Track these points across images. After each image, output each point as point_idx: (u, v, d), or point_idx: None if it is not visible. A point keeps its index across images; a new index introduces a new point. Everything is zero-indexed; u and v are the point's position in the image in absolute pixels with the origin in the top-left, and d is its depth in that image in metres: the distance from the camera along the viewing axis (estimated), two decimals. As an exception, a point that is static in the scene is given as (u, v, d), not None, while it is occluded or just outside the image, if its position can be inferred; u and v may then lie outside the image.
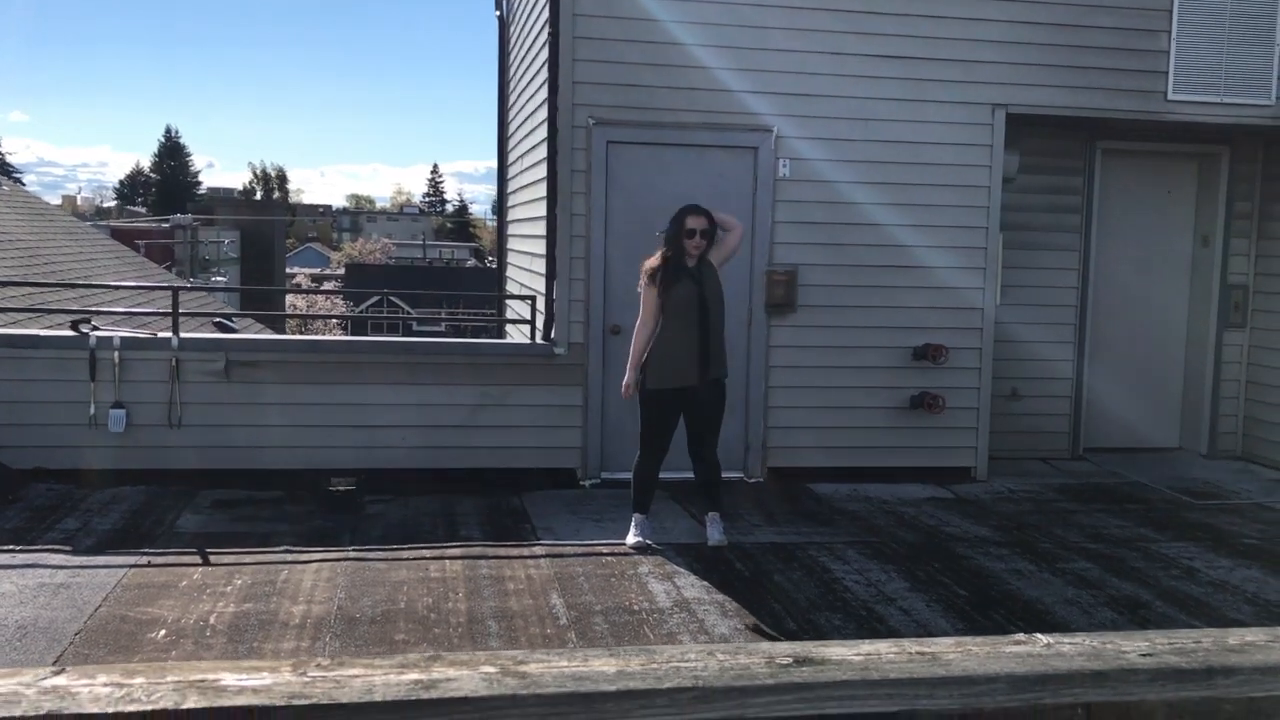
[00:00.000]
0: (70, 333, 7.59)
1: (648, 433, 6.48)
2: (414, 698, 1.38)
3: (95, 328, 7.68)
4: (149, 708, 1.32)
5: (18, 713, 1.30)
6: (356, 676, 1.41)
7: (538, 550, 6.39)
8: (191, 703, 1.33)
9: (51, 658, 4.63)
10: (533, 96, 9.52)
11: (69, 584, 5.51)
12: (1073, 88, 8.36)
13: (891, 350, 8.32)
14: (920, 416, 8.35)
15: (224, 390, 7.62)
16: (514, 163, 11.33)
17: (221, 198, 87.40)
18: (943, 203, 8.30)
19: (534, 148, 9.37)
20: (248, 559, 6.02)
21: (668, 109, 7.93)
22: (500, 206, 12.66)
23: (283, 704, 1.35)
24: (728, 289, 8.07)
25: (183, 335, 7.65)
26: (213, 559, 6.00)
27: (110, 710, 1.31)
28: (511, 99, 11.64)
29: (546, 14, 8.46)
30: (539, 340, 8.15)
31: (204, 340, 7.92)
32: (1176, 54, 8.46)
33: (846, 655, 1.52)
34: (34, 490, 7.21)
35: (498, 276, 12.87)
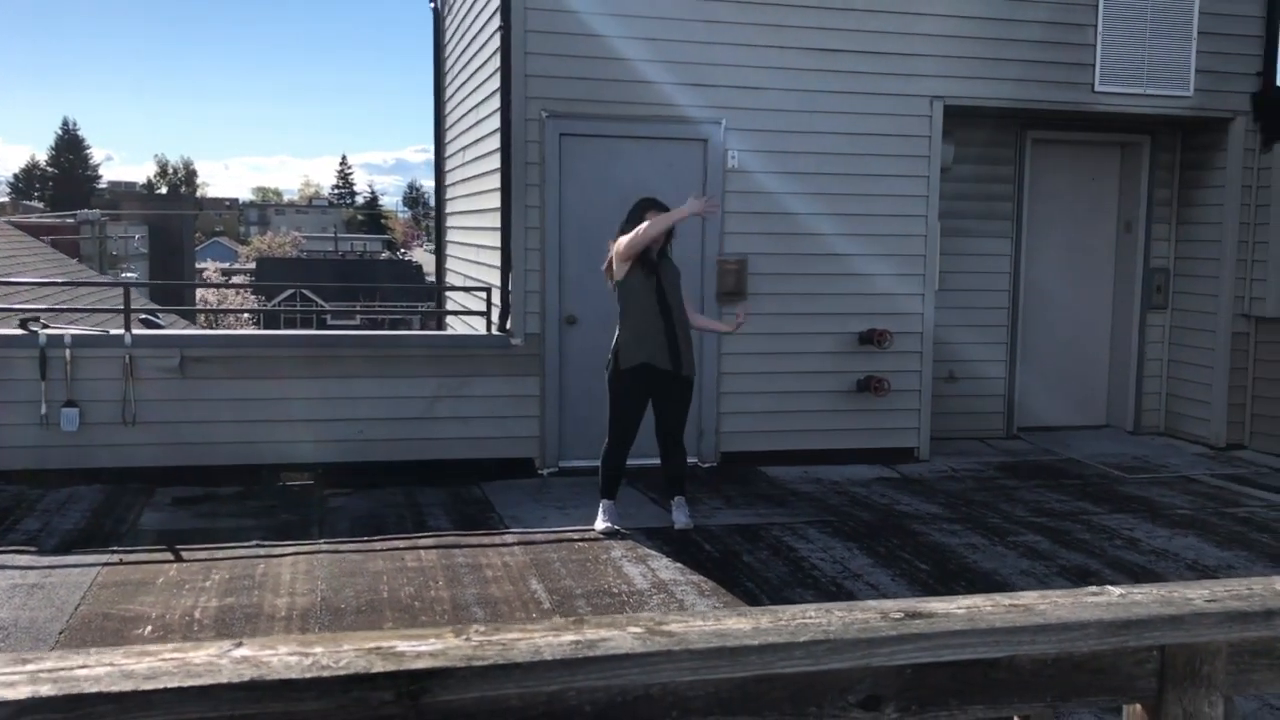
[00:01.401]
0: (19, 331, 7.46)
1: (617, 416, 6.59)
2: (580, 655, 1.50)
3: (45, 325, 7.55)
4: (343, 673, 1.42)
5: (223, 679, 1.39)
6: (519, 639, 1.53)
7: (509, 538, 6.48)
8: (379, 667, 1.44)
9: (40, 657, 4.60)
10: (477, 89, 9.56)
11: (42, 584, 5.47)
12: (1006, 80, 8.67)
13: (838, 336, 8.56)
14: (866, 399, 8.61)
15: (179, 387, 7.57)
16: (454, 155, 11.35)
17: (124, 192, 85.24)
18: (885, 192, 8.55)
19: (480, 140, 9.42)
20: (220, 554, 6.02)
21: (619, 101, 8.05)
22: (438, 199, 12.65)
23: (462, 665, 1.46)
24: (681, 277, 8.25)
25: (136, 332, 7.57)
26: (185, 555, 5.99)
27: (310, 675, 1.41)
28: (449, 91, 11.64)
29: (493, 6, 8.53)
30: (495, 331, 8.21)
31: (158, 337, 7.85)
32: (1102, 47, 8.82)
33: (950, 609, 1.67)
34: (-14, 492, 7.09)
35: (437, 268, 12.86)
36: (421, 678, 1.44)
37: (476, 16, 9.56)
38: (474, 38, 9.72)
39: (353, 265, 73.38)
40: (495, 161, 8.47)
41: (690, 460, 8.33)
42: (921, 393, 8.78)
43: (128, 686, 1.36)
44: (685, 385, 6.64)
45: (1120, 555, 6.36)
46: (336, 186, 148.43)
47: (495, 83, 8.54)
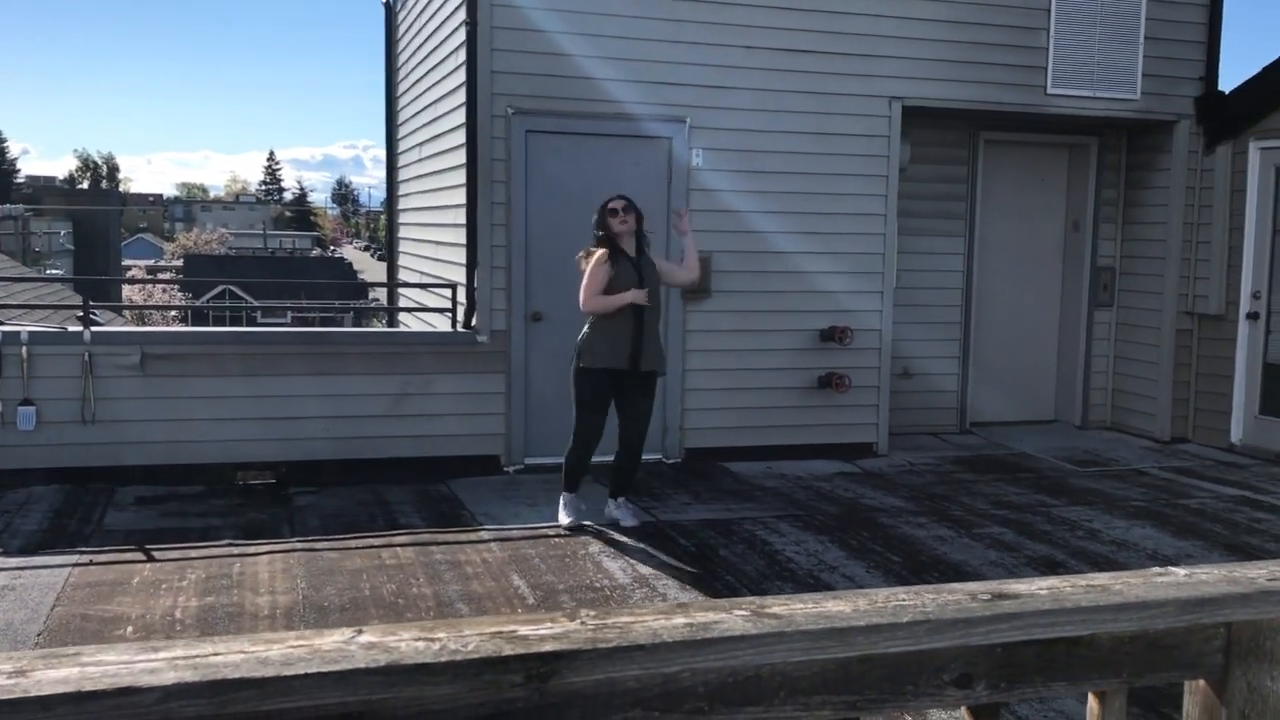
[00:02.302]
0: (-26, 328, 7.29)
1: (580, 417, 6.60)
2: (697, 637, 1.53)
3: (0, 322, 7.39)
4: (474, 656, 1.45)
5: (359, 665, 1.41)
6: (635, 622, 1.56)
7: (484, 535, 6.48)
8: (509, 650, 1.46)
9: (21, 659, 4.52)
10: (436, 85, 9.51)
11: (12, 585, 5.36)
12: (963, 81, 8.84)
13: (799, 333, 8.67)
14: (827, 396, 8.72)
15: (139, 385, 7.44)
16: (408, 151, 11.28)
17: (44, 186, 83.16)
18: (845, 191, 8.67)
19: (438, 136, 9.38)
20: (194, 554, 5.95)
21: (585, 99, 8.07)
22: (390, 196, 12.56)
23: (587, 648, 1.49)
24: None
25: (95, 329, 7.43)
26: (156, 555, 5.91)
27: (443, 660, 1.43)
28: (402, 88, 11.57)
29: (455, 2, 8.50)
30: (460, 329, 8.19)
31: (118, 334, 7.71)
32: (1055, 51, 9.03)
33: (1033, 589, 1.74)
34: (-58, 492, 6.92)
35: (388, 266, 12.77)
36: (550, 660, 1.47)
37: (435, 13, 9.52)
38: (432, 34, 9.67)
39: (283, 263, 72.43)
40: (458, 158, 8.45)
41: (654, 457, 8.43)
42: (880, 389, 8.93)
43: (268, 672, 1.37)
44: (647, 383, 6.61)
45: (1083, 545, 6.53)
46: (264, 183, 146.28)
47: (456, 79, 8.53)
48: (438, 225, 9.62)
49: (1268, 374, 9.07)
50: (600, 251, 6.46)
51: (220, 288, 49.99)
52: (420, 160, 10.49)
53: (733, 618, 1.60)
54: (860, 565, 6.05)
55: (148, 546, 6.04)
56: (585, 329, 6.58)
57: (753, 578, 5.80)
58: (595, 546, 6.29)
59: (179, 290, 51.71)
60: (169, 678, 1.35)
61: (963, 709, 1.76)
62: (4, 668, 1.37)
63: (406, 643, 1.48)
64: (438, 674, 1.44)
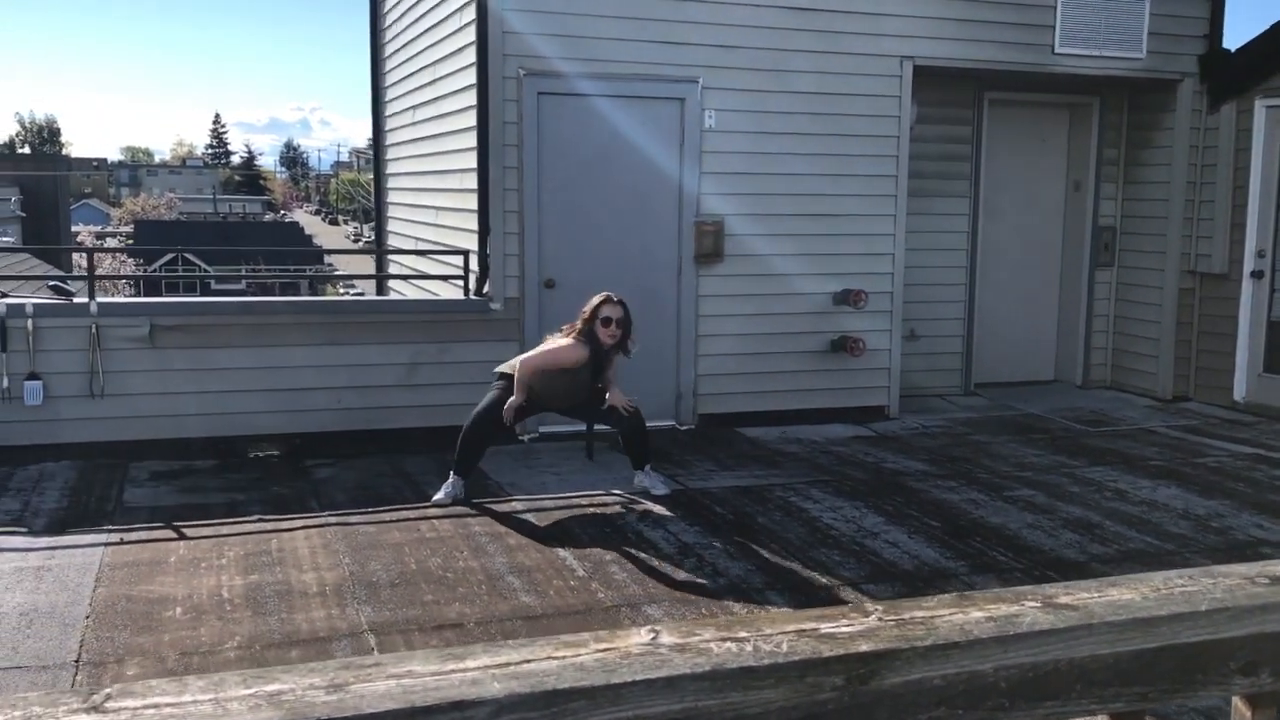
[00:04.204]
0: (-24, 301, 7.04)
1: (484, 402, 6.46)
2: (1007, 633, 1.46)
3: (4, 294, 7.14)
4: (796, 658, 1.36)
5: (684, 670, 1.32)
6: (933, 617, 1.48)
7: (517, 505, 6.38)
8: (828, 652, 1.38)
9: (72, 642, 4.38)
10: (434, 45, 9.28)
11: (48, 566, 5.20)
12: (972, 40, 8.77)
13: (813, 296, 8.61)
14: (841, 359, 8.68)
15: (148, 357, 7.24)
16: (399, 114, 11.03)
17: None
18: (856, 152, 8.60)
19: (440, 98, 9.17)
20: (226, 530, 5.80)
21: (597, 60, 7.91)
22: (376, 160, 12.30)
23: (904, 647, 1.41)
24: (658, 239, 8.22)
25: (101, 300, 7.21)
26: (188, 533, 5.75)
27: (764, 663, 1.35)
28: (392, 48, 11.29)
29: (460, -39, 8.29)
30: (473, 296, 8.04)
31: (126, 305, 7.50)
32: (1062, 9, 8.97)
33: (1306, 570, 1.68)
34: (-51, 471, 6.71)
35: (376, 232, 12.54)
36: (870, 660, 1.39)
37: (435, -29, 9.26)
38: (431, -7, 9.42)
39: (235, 227, 71.31)
40: (465, 121, 8.27)
41: (667, 423, 8.37)
42: (891, 352, 8.90)
43: (596, 681, 1.29)
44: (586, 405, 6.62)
45: (1115, 507, 6.56)
46: (210, 146, 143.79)
47: (462, 39, 8.33)
48: (439, 190, 9.42)
49: (1272, 331, 9.14)
50: (571, 345, 6.37)
51: (169, 254, 49.04)
52: (415, 124, 10.26)
53: (1028, 610, 1.53)
54: (901, 531, 6.03)
55: (177, 524, 5.88)
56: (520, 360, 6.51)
57: (797, 546, 5.76)
58: (632, 516, 6.21)
59: (129, 258, 50.75)
60: (496, 689, 1.26)
61: (1235, 698, 1.71)
62: (316, 682, 1.26)
63: (716, 644, 1.40)
64: (761, 678, 1.36)
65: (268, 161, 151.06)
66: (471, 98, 8.07)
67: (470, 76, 8.09)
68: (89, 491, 6.47)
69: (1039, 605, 1.55)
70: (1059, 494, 6.80)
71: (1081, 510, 6.47)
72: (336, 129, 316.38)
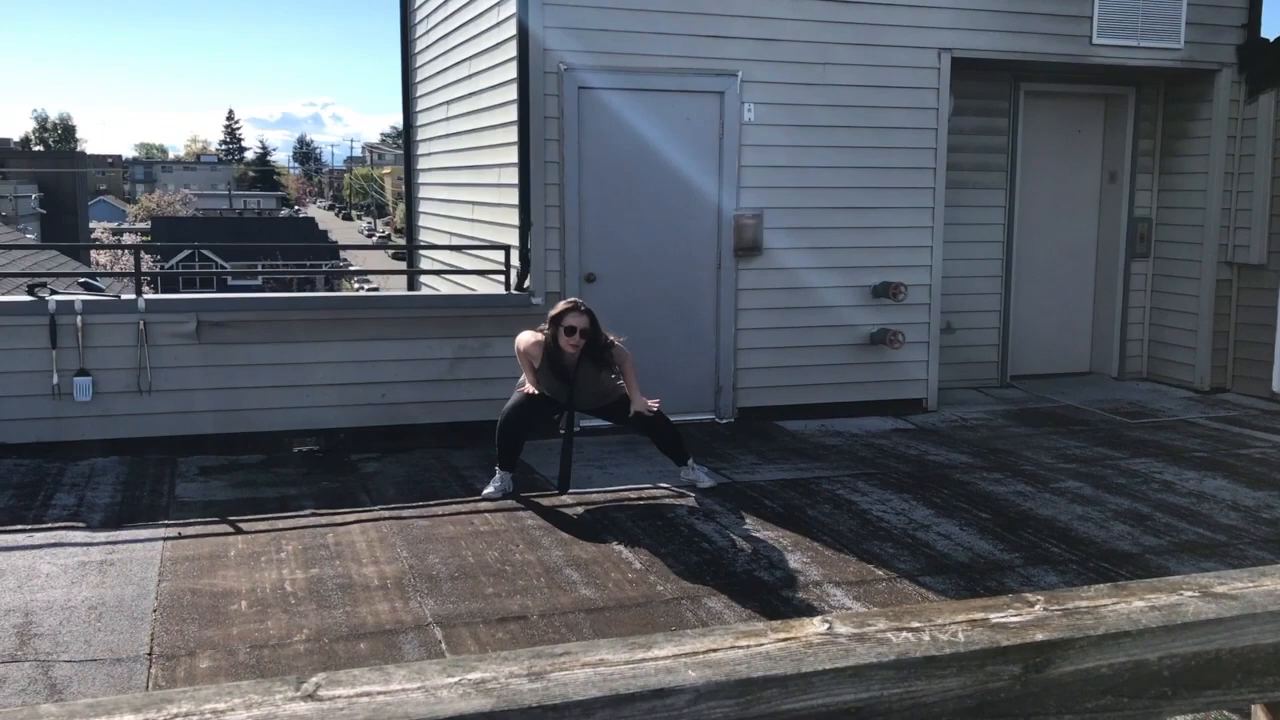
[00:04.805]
0: (27, 298, 7.09)
1: (513, 397, 6.57)
2: (1174, 622, 1.47)
3: (54, 291, 7.20)
4: (975, 648, 1.38)
5: (870, 660, 1.34)
6: (1100, 606, 1.50)
7: (566, 499, 6.41)
8: (1005, 641, 1.40)
9: (143, 635, 4.43)
10: (471, 40, 9.29)
11: (110, 560, 5.25)
12: (1010, 32, 8.75)
13: (852, 289, 8.61)
14: (879, 352, 8.68)
15: (195, 353, 7.29)
16: (431, 110, 11.06)
17: (5, 149, 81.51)
18: (895, 145, 8.59)
19: (477, 93, 9.18)
20: (281, 524, 5.84)
21: (637, 54, 7.92)
22: (407, 156, 12.33)
23: (1078, 636, 1.43)
24: (697, 233, 8.22)
25: (149, 296, 7.26)
26: (244, 527, 5.79)
27: (946, 653, 1.37)
28: (424, 44, 11.32)
29: (499, -44, 8.30)
30: (514, 291, 8.06)
31: (173, 301, 7.53)
32: (1100, 0, 8.94)
33: None
34: (1, 467, 6.76)
35: (407, 227, 12.58)
36: (1045, 649, 1.41)
37: (471, -34, 9.28)
38: (467, -12, 9.44)
39: (252, 224, 71.58)
40: (504, 116, 8.30)
41: (707, 417, 8.40)
42: (930, 344, 8.90)
43: (785, 670, 1.30)
44: (615, 408, 6.57)
45: (1163, 498, 6.55)
46: (224, 142, 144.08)
47: (500, 34, 8.35)
48: (475, 185, 9.44)
49: (1312, 323, 9.10)
50: (533, 339, 6.39)
51: (185, 251, 49.27)
52: (449, 119, 10.29)
53: (1188, 599, 1.54)
54: (953, 523, 6.03)
55: (231, 518, 5.93)
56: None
57: (850, 538, 5.77)
58: (681, 509, 6.23)
59: (146, 254, 50.94)
60: (692, 678, 1.28)
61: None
62: (515, 670, 1.29)
63: (893, 633, 1.41)
64: (943, 667, 1.37)
65: (280, 157, 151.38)
66: (509, 93, 8.09)
67: (508, 72, 8.11)
68: (141, 486, 6.52)
69: (1197, 595, 1.56)
70: (1106, 486, 6.80)
71: (1130, 502, 6.46)
72: (349, 124, 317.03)
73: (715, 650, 1.35)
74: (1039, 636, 1.42)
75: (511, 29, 7.94)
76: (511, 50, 7.96)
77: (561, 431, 6.57)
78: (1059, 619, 1.47)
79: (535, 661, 1.30)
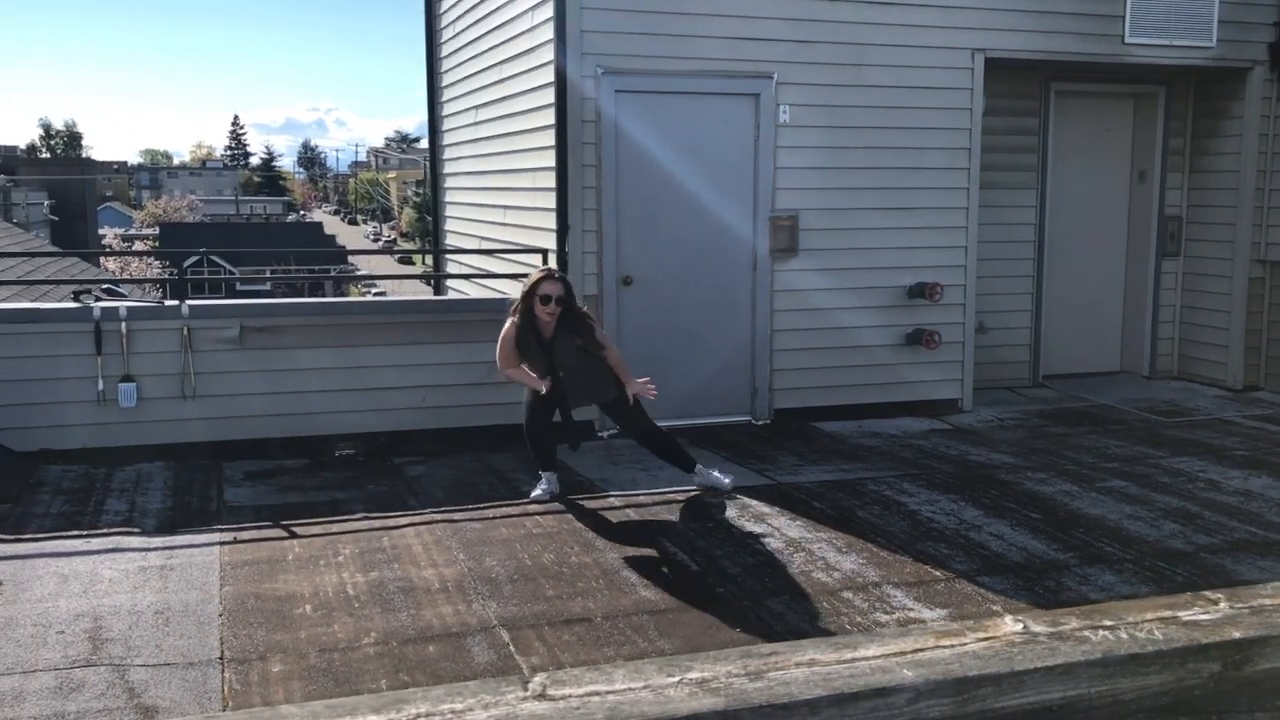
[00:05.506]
0: (73, 304, 7.12)
1: (526, 401, 6.55)
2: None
3: (98, 297, 7.22)
4: (1178, 645, 1.39)
5: (1076, 658, 1.35)
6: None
7: (614, 501, 6.42)
8: (1204, 639, 1.41)
9: (212, 639, 4.44)
10: (504, 44, 9.29)
11: (170, 565, 5.26)
12: (1043, 32, 8.76)
13: (888, 290, 8.62)
14: (915, 352, 8.69)
15: (238, 358, 7.31)
16: (459, 114, 11.07)
17: (13, 156, 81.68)
18: (928, 145, 8.60)
19: (510, 97, 9.18)
20: (336, 528, 5.86)
21: (673, 56, 7.94)
22: (433, 161, 12.34)
23: (1270, 634, 1.44)
24: (733, 235, 8.24)
25: (192, 302, 7.28)
26: (299, 531, 5.81)
27: (1150, 650, 1.38)
28: (451, 48, 11.33)
29: (534, -39, 8.31)
30: (553, 293, 8.05)
31: (216, 307, 7.57)
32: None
33: None
34: (50, 473, 6.78)
35: (434, 231, 12.59)
36: (1244, 647, 1.43)
37: (503, -30, 9.28)
38: (500, -7, 9.44)
39: (259, 229, 71.66)
40: (540, 120, 8.31)
41: (743, 418, 8.42)
42: (965, 344, 8.91)
43: (1001, 669, 1.32)
44: (619, 405, 6.51)
45: (1210, 497, 6.55)
46: (229, 148, 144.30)
47: (537, 37, 8.36)
48: (507, 189, 9.45)
49: (1346, 320, 9.10)
50: (509, 325, 6.35)
51: (194, 257, 49.32)
52: (478, 123, 10.30)
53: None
54: (1004, 523, 6.04)
55: (284, 522, 5.94)
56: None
57: (902, 539, 5.77)
58: (732, 511, 6.24)
59: (155, 260, 51.01)
60: (909, 676, 1.30)
61: None
62: (732, 670, 1.30)
63: (1090, 632, 1.44)
64: (1147, 665, 1.39)
65: (285, 162, 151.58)
66: (545, 97, 8.11)
67: (544, 75, 8.12)
68: (189, 491, 6.54)
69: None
70: (1151, 485, 6.80)
71: (1178, 500, 6.47)
72: (352, 129, 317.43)
73: (922, 650, 1.37)
74: (1236, 634, 1.44)
75: (548, 33, 7.96)
76: (548, 54, 7.98)
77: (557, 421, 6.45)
78: (1249, 616, 1.48)
79: (748, 661, 1.32)
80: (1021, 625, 1.43)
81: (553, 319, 6.29)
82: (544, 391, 6.38)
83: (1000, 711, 1.31)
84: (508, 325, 6.43)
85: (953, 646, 1.36)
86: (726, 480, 6.66)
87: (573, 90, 7.77)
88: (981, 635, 1.39)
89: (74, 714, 3.79)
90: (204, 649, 4.37)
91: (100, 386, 7.04)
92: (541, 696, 1.19)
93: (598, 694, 1.20)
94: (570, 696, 1.18)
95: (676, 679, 1.23)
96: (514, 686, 1.18)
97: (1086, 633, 1.42)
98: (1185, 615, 1.48)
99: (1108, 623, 1.46)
